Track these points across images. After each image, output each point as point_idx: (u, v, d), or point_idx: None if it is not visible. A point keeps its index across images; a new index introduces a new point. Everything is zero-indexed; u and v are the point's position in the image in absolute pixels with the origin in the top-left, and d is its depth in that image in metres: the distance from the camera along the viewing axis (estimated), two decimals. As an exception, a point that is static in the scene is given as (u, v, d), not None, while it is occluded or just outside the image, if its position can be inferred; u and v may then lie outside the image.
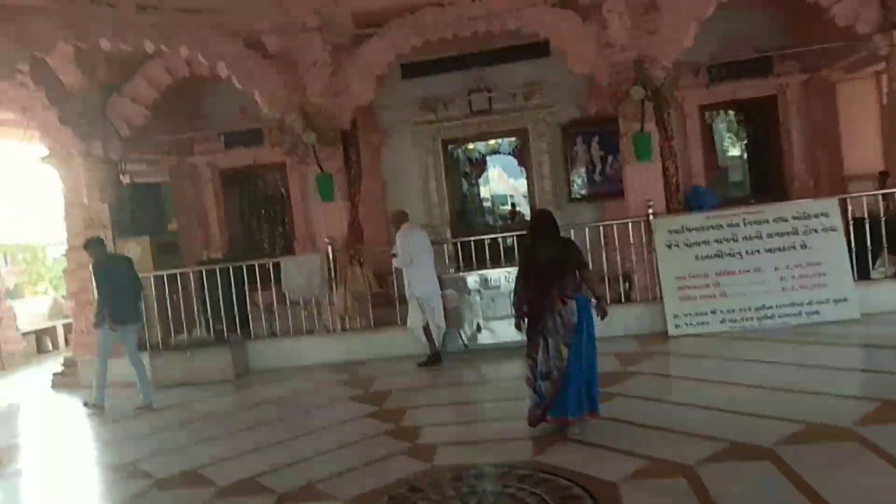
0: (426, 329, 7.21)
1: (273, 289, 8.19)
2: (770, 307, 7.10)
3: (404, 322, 7.49)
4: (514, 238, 8.41)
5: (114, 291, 6.84)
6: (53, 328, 13.16)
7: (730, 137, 10.69)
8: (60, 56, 8.10)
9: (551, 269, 4.54)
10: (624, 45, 7.49)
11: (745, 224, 7.32)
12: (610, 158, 10.22)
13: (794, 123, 9.82)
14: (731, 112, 10.46)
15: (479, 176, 12.04)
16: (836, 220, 7.17)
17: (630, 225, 7.72)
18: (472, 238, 8.40)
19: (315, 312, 8.24)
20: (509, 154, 11.94)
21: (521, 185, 11.46)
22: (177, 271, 8.33)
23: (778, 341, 6.53)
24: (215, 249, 10.59)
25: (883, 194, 7.41)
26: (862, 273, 7.28)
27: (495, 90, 10.32)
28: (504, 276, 7.44)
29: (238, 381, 7.68)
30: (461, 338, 7.62)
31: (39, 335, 12.92)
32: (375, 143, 10.72)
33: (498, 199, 13.23)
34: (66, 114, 8.48)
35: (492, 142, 11.39)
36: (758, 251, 7.23)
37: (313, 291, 8.09)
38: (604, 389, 5.42)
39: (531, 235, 4.78)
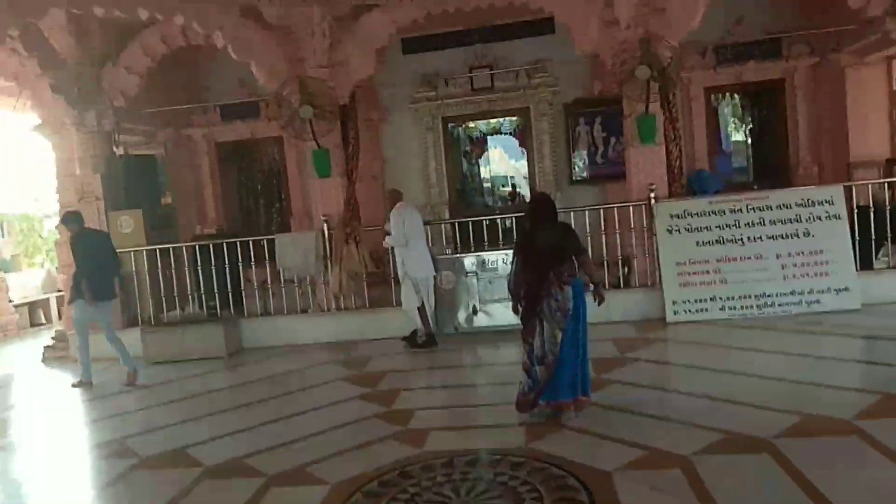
0: (421, 310, 7.10)
1: (267, 266, 8.08)
2: (771, 295, 7.01)
3: (400, 302, 7.38)
4: (514, 219, 8.28)
5: (90, 267, 6.74)
6: (47, 301, 13.07)
7: (735, 121, 10.53)
8: (53, 23, 7.89)
9: (550, 254, 4.53)
10: (630, 22, 7.30)
11: (747, 210, 7.20)
12: (613, 140, 10.07)
13: (800, 108, 9.66)
14: (736, 95, 10.27)
15: (480, 156, 11.87)
16: (841, 208, 7.05)
17: (631, 208, 7.59)
18: (470, 218, 8.28)
19: (309, 291, 8.14)
20: (510, 134, 11.74)
21: (522, 166, 11.30)
22: (170, 246, 8.21)
23: (778, 330, 6.45)
24: (210, 224, 10.46)
25: (889, 182, 7.27)
26: (864, 263, 7.18)
27: (498, 67, 10.15)
28: (502, 259, 7.33)
29: (230, 359, 7.60)
30: (456, 321, 7.53)
31: (32, 307, 12.84)
32: (375, 119, 10.55)
33: (498, 181, 13.05)
34: (59, 82, 8.28)
35: (493, 121, 11.21)
36: (760, 238, 7.13)
37: (308, 269, 7.99)
38: (600, 376, 5.37)
39: (530, 219, 4.73)
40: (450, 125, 10.86)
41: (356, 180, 8.21)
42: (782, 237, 7.10)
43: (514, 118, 11.00)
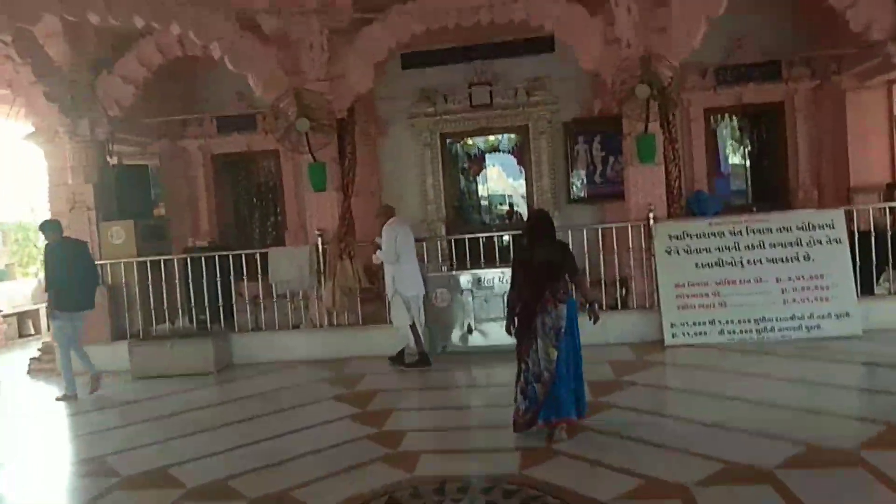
0: (413, 328, 6.98)
1: (260, 280, 7.94)
2: (770, 319, 6.90)
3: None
4: (510, 237, 8.17)
5: (64, 276, 6.64)
6: (36, 311, 12.86)
7: (734, 143, 10.48)
8: (48, 29, 7.82)
9: (547, 271, 4.52)
10: (631, 41, 7.26)
11: (747, 232, 7.12)
12: (611, 159, 10.00)
13: (800, 131, 9.61)
14: (736, 117, 10.24)
15: (478, 174, 11.80)
16: (842, 232, 6.97)
17: (630, 228, 7.49)
18: (466, 235, 8.16)
19: (302, 306, 7.99)
20: (509, 152, 11.68)
21: (520, 185, 11.23)
22: (161, 258, 8.07)
23: (778, 355, 6.33)
24: (203, 237, 10.32)
25: (890, 207, 7.19)
26: (865, 288, 7.08)
27: (497, 84, 10.10)
28: (498, 277, 7.21)
29: (220, 374, 7.43)
30: (447, 340, 7.39)
31: (22, 318, 12.63)
32: (373, 133, 10.48)
33: (496, 199, 12.98)
34: (53, 90, 8.18)
35: (491, 138, 11.15)
36: (760, 261, 7.04)
37: (301, 284, 7.85)
38: (597, 399, 5.23)
39: (528, 235, 4.74)
40: (448, 141, 10.79)
41: (352, 195, 8.10)
42: (782, 261, 7.00)
43: (512, 136, 10.94)
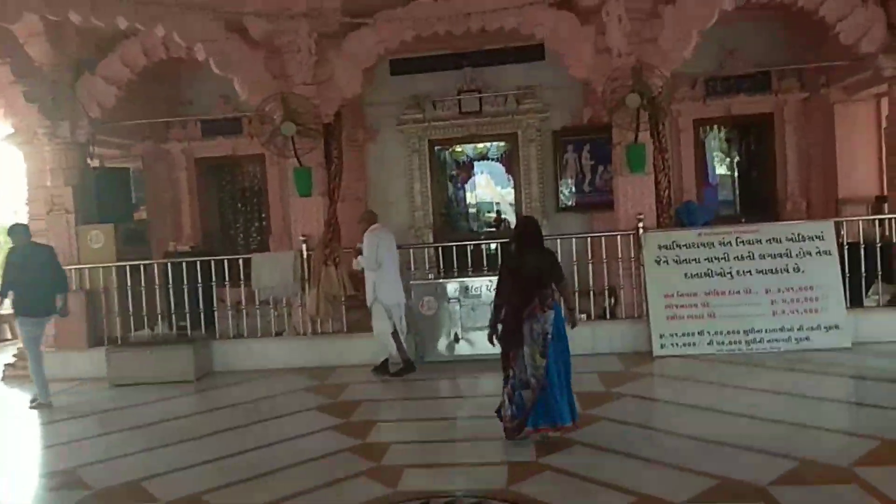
0: (395, 335, 6.86)
1: (242, 286, 7.77)
2: (760, 331, 6.84)
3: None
4: (498, 245, 8.08)
5: (24, 281, 6.47)
6: (11, 315, 12.55)
7: (723, 154, 10.48)
8: (29, 29, 7.64)
9: (536, 279, 4.53)
10: (622, 50, 7.20)
11: (737, 243, 7.07)
12: (600, 168, 9.94)
13: (789, 143, 9.61)
14: (725, 128, 10.24)
15: (466, 181, 11.72)
16: (832, 244, 6.95)
17: (619, 238, 7.42)
18: (453, 243, 8.06)
19: (285, 313, 7.83)
20: (497, 160, 11.62)
21: (508, 193, 11.16)
22: (140, 262, 7.87)
23: (768, 368, 6.26)
24: (185, 241, 10.13)
25: (879, 219, 7.18)
26: (854, 300, 7.04)
27: (487, 92, 10.03)
28: (486, 285, 7.10)
29: (200, 382, 7.23)
30: (421, 350, 7.27)
31: (-2, 322, 12.33)
32: (360, 139, 10.37)
33: (484, 206, 12.91)
34: (33, 90, 8.00)
35: (480, 145, 11.07)
36: (749, 272, 6.99)
37: (285, 291, 7.69)
38: (586, 411, 5.12)
39: (516, 242, 4.76)
40: (436, 148, 10.70)
41: (338, 200, 7.97)
42: (772, 272, 6.96)
43: (501, 143, 10.88)
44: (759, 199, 10.01)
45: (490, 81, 10.05)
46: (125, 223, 8.54)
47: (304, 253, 7.66)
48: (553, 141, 10.17)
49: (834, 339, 6.72)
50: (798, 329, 6.80)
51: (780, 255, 6.98)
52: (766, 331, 6.82)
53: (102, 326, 7.94)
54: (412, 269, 7.90)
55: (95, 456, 5.09)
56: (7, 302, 6.75)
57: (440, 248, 8.22)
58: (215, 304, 7.92)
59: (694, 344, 6.91)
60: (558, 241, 7.38)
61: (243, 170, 11.12)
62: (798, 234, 7.02)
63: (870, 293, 7.32)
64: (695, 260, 7.09)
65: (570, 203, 10.21)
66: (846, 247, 7.04)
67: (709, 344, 6.88)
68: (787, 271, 6.94)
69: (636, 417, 5.18)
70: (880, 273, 7.03)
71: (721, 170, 10.57)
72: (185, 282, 7.71)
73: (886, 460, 4.01)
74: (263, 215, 10.96)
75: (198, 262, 7.78)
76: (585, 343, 6.86)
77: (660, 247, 7.18)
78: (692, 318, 6.97)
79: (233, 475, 4.38)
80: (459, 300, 7.24)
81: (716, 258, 7.06)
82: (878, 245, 6.97)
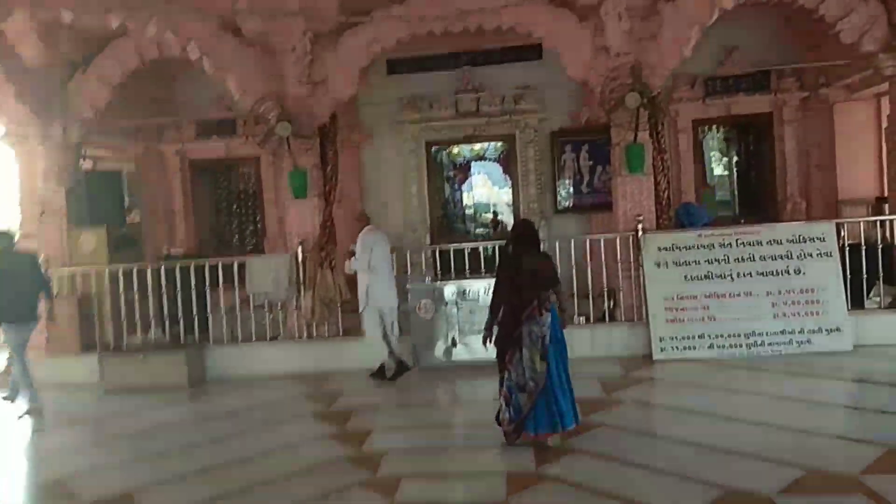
0: (385, 338, 6.77)
1: (237, 290, 7.65)
2: (761, 334, 6.76)
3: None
4: (496, 248, 7.98)
5: (6, 288, 6.35)
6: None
7: (722, 154, 10.39)
8: (20, 28, 7.51)
9: (533, 281, 4.50)
10: (621, 49, 7.11)
11: (737, 245, 6.98)
12: (599, 169, 9.86)
13: (788, 143, 9.52)
14: (724, 128, 10.16)
15: (463, 182, 11.63)
16: (833, 246, 6.86)
17: (618, 240, 7.33)
18: (451, 245, 7.95)
19: (280, 317, 7.72)
20: (495, 160, 11.52)
21: (506, 193, 11.06)
22: (133, 266, 7.75)
23: (770, 371, 6.19)
24: (179, 244, 10.00)
25: (880, 220, 7.10)
26: (856, 302, 6.96)
27: (484, 92, 9.91)
28: (484, 289, 6.99)
29: (193, 389, 7.10)
30: (413, 354, 7.17)
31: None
32: (356, 140, 10.24)
33: (481, 207, 12.81)
34: (24, 90, 7.89)
35: (477, 146, 10.97)
36: (750, 274, 6.90)
37: (279, 295, 7.57)
38: (586, 417, 5.02)
39: (514, 245, 4.76)
40: (433, 149, 10.58)
41: (334, 202, 7.87)
42: (773, 274, 6.87)
43: (499, 144, 10.78)
44: (758, 200, 9.93)
45: (487, 81, 9.94)
46: (117, 226, 8.41)
47: (300, 256, 7.55)
48: (551, 141, 10.08)
49: (835, 342, 6.64)
50: (799, 332, 6.72)
51: (781, 257, 6.90)
52: (767, 333, 6.74)
53: (94, 332, 7.82)
54: (409, 272, 7.78)
55: (85, 466, 4.98)
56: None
57: (437, 251, 8.12)
58: (209, 309, 7.79)
59: (694, 347, 6.82)
60: (557, 243, 7.29)
61: (238, 172, 10.98)
62: (799, 236, 6.93)
63: (871, 295, 7.24)
64: (695, 262, 7.00)
65: (568, 204, 10.11)
66: (847, 248, 6.95)
67: (709, 347, 6.79)
68: (788, 273, 6.85)
69: (637, 424, 5.09)
70: (881, 275, 6.95)
71: (720, 170, 10.49)
72: (179, 286, 7.58)
73: (893, 468, 3.92)
74: (258, 217, 10.84)
75: (191, 266, 7.66)
76: (584, 347, 6.78)
77: (659, 248, 7.09)
78: (692, 320, 6.89)
79: (225, 487, 4.27)
80: (457, 303, 7.14)
81: (716, 260, 6.97)
82: (880, 246, 6.89)
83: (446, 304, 7.15)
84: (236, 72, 7.61)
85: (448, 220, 11.12)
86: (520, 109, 9.98)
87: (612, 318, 7.58)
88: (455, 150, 11.00)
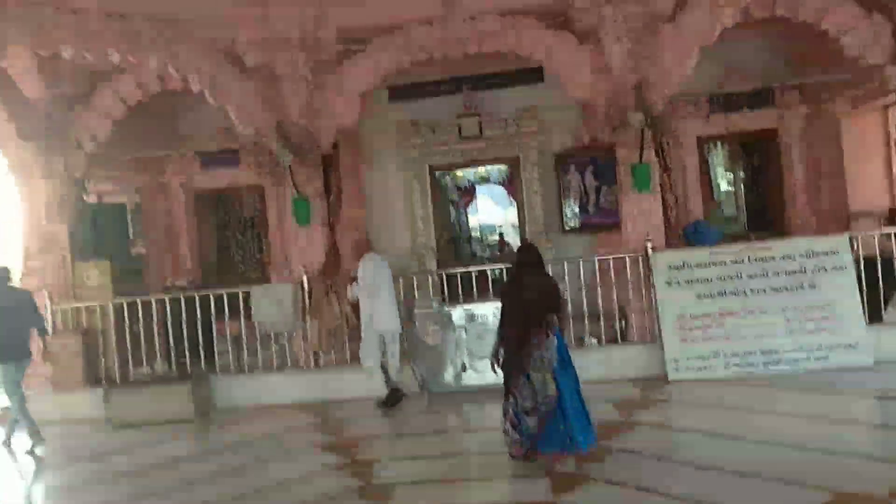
0: (383, 366, 6.69)
1: (242, 320, 7.55)
2: (777, 351, 6.60)
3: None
4: (503, 270, 7.87)
5: (1, 325, 6.25)
6: None
7: (727, 171, 10.31)
8: (21, 63, 7.55)
9: (538, 304, 4.47)
10: (622, 69, 7.08)
11: (749, 261, 6.85)
12: (604, 189, 9.79)
13: (795, 157, 9.45)
14: (729, 145, 10.09)
15: (468, 205, 11.60)
16: (847, 259, 6.72)
17: (627, 259, 7.21)
18: (458, 270, 7.86)
19: (286, 346, 7.60)
20: (499, 183, 11.49)
21: (511, 214, 11.01)
22: (137, 298, 7.67)
23: (788, 390, 6.01)
24: (184, 275, 9.95)
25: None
26: (874, 317, 6.80)
27: (486, 116, 9.91)
28: (492, 312, 6.87)
29: (200, 421, 6.96)
30: (418, 379, 7.04)
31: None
32: (359, 166, 10.22)
33: (486, 229, 12.76)
34: (27, 127, 7.91)
35: (481, 169, 10.96)
36: (763, 290, 6.76)
37: (285, 325, 7.47)
38: (602, 442, 4.87)
39: (517, 268, 4.78)
40: (437, 173, 10.56)
41: (338, 229, 7.80)
42: (787, 289, 6.73)
43: (502, 167, 10.75)
44: (766, 215, 9.82)
45: (489, 105, 9.94)
46: (121, 259, 8.37)
47: (305, 284, 7.46)
48: (555, 163, 10.04)
49: (854, 357, 6.47)
50: (817, 348, 6.56)
51: (795, 273, 6.76)
52: (783, 351, 6.58)
53: (99, 365, 7.72)
54: (415, 296, 7.68)
55: (89, 504, 4.85)
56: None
57: (444, 275, 8.03)
58: (215, 339, 7.69)
59: (709, 367, 6.66)
60: (565, 265, 7.18)
61: (242, 201, 10.97)
62: (812, 251, 6.79)
63: (888, 308, 7.08)
64: (707, 280, 6.87)
65: (574, 224, 10.04)
66: (862, 261, 6.82)
67: (725, 366, 6.63)
68: (803, 288, 6.70)
69: (655, 448, 4.92)
70: (899, 288, 6.81)
71: (726, 186, 10.40)
72: (184, 317, 7.49)
73: (924, 490, 3.77)
74: (263, 247, 10.80)
75: (196, 297, 7.58)
76: (597, 369, 6.63)
77: (670, 267, 6.97)
78: (707, 339, 6.73)
79: (231, 524, 4.13)
80: (465, 327, 7.02)
81: (728, 277, 6.83)
82: (895, 259, 6.75)
83: (455, 329, 7.03)
84: (238, 102, 7.61)
85: (454, 242, 11.05)
86: (523, 132, 9.97)
87: (624, 339, 7.44)
88: (459, 173, 10.98)
